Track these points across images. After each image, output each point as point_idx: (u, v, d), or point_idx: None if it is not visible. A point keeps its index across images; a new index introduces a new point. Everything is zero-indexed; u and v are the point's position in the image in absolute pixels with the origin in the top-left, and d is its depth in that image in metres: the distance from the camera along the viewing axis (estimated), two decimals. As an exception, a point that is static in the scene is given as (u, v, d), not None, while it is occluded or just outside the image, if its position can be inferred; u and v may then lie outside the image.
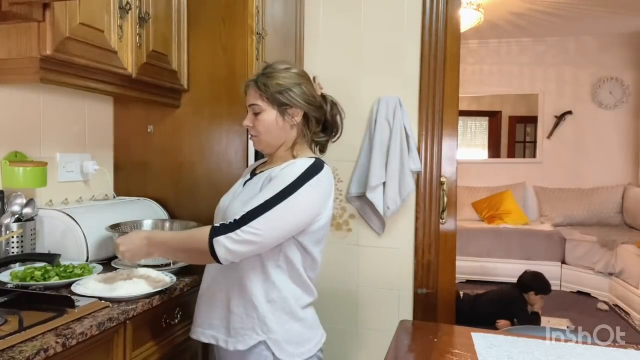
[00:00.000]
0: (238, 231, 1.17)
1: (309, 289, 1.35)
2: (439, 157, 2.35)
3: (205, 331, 1.35)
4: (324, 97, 1.39)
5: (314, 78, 1.40)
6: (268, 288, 1.28)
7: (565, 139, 5.80)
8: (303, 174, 1.24)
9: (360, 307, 2.45)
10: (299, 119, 1.34)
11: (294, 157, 1.34)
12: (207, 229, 1.20)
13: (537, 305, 3.61)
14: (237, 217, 1.19)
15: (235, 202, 1.33)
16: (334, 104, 1.40)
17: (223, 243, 1.17)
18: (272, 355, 1.27)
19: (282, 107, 1.32)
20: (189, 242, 1.26)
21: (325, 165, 1.31)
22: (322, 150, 1.44)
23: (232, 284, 1.30)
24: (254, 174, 1.42)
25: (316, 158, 1.32)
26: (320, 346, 1.38)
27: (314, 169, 1.26)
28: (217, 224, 1.21)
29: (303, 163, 1.27)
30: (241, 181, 1.45)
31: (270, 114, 1.32)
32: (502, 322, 3.47)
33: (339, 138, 1.44)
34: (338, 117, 1.41)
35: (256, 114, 1.33)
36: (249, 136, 1.39)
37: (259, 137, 1.35)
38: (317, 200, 1.27)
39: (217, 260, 1.19)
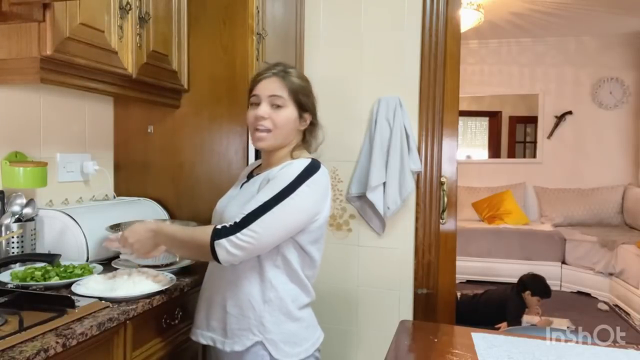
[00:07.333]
0: (238, 234, 1.18)
1: (306, 289, 1.35)
2: (439, 157, 2.35)
3: (204, 332, 1.35)
4: None
5: None
6: (265, 288, 1.28)
7: (565, 139, 5.80)
8: (300, 174, 1.24)
9: (360, 307, 2.44)
10: (307, 123, 1.36)
11: (292, 159, 1.34)
12: (209, 229, 1.21)
13: (532, 308, 3.59)
14: (237, 220, 1.20)
15: (232, 204, 1.34)
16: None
17: (224, 246, 1.18)
18: (268, 355, 1.27)
19: (301, 109, 1.33)
20: (192, 240, 1.27)
21: (322, 165, 1.31)
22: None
23: (228, 284, 1.30)
24: (250, 176, 1.42)
25: (312, 158, 1.31)
26: (317, 346, 1.38)
27: (311, 169, 1.26)
28: (218, 226, 1.21)
29: (300, 164, 1.27)
30: (237, 184, 1.46)
31: (292, 111, 1.32)
32: (502, 325, 3.46)
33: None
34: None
35: (277, 106, 1.31)
36: (253, 131, 1.34)
37: (272, 132, 1.31)
38: (315, 200, 1.27)
39: (218, 261, 1.20)
